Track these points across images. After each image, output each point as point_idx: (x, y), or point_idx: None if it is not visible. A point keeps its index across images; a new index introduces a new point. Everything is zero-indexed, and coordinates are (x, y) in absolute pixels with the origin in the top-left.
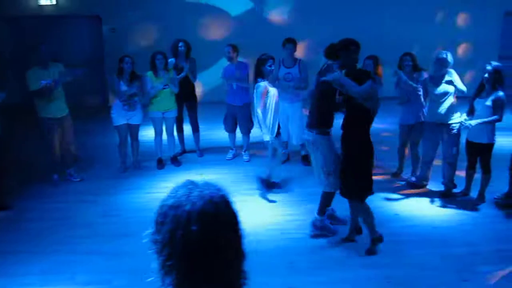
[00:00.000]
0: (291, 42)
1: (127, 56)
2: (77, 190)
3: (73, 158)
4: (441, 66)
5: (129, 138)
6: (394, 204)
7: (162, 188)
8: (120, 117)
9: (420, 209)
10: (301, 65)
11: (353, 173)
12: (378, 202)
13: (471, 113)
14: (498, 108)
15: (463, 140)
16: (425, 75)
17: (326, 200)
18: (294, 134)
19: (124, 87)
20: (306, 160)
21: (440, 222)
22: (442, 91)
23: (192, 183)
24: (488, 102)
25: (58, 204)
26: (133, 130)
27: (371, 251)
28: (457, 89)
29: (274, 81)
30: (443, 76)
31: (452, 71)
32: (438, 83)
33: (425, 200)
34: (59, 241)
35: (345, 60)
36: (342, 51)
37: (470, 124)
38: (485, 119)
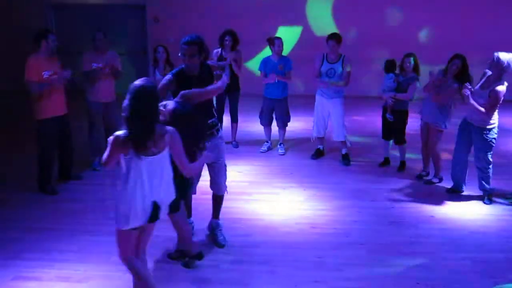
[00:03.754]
0: (333, 38)
1: (160, 45)
2: (116, 174)
3: None
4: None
5: None
6: (431, 206)
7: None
8: None
9: (457, 213)
10: (344, 61)
11: None
12: (414, 203)
13: None
14: None
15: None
16: None
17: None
18: (334, 131)
19: (159, 76)
20: (346, 159)
21: (476, 227)
22: None
23: None
24: None
25: (98, 186)
26: None
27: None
28: None
29: (316, 77)
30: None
31: None
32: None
33: (463, 204)
34: (97, 222)
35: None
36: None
37: None
38: None
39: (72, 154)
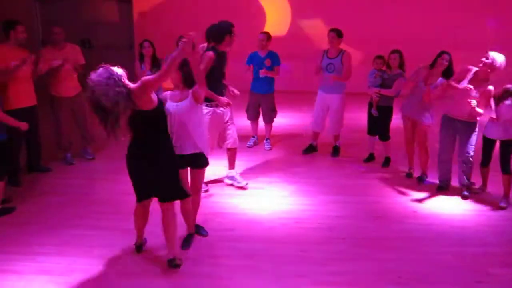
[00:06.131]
0: (333, 30)
1: (146, 40)
2: (95, 168)
3: (89, 137)
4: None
5: None
6: (414, 202)
7: None
8: None
9: (440, 208)
10: (344, 56)
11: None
12: (398, 198)
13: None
14: None
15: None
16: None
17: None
18: (330, 125)
19: (147, 72)
20: (336, 151)
21: (457, 222)
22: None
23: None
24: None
25: (77, 180)
26: None
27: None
28: None
29: (318, 72)
30: None
31: None
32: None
33: (446, 200)
34: (78, 216)
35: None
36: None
37: None
38: None
39: (40, 146)
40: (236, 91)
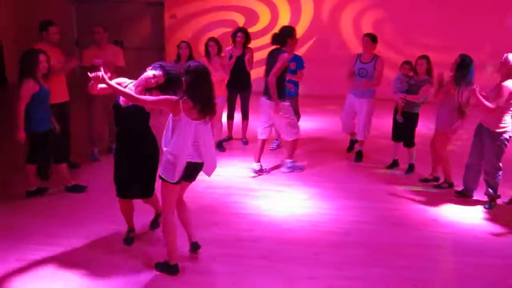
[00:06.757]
0: (367, 36)
1: (183, 41)
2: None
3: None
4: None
5: None
6: (435, 210)
7: None
8: None
9: (461, 217)
10: (377, 62)
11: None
12: (419, 206)
13: None
14: None
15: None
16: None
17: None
18: (359, 129)
19: None
20: (359, 156)
21: (479, 232)
22: None
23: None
24: None
25: (102, 176)
26: None
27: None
28: None
29: (350, 76)
30: None
31: None
32: None
33: (468, 209)
34: (102, 211)
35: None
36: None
37: None
38: None
39: (69, 142)
40: None
